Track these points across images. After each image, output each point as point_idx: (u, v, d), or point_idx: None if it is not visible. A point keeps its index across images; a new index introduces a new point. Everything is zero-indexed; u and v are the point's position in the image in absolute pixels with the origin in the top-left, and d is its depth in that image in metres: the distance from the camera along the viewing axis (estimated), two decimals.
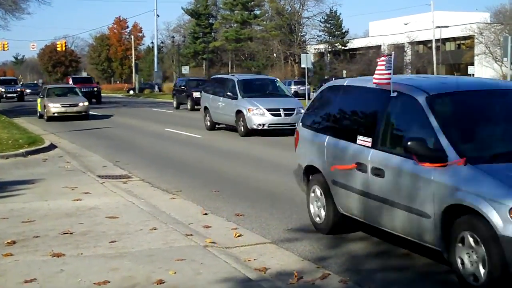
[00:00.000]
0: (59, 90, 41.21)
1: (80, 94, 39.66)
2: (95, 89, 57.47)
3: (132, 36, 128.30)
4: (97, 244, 8.59)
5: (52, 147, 20.58)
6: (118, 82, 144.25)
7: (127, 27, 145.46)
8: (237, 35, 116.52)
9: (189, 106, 45.24)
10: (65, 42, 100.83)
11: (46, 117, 35.90)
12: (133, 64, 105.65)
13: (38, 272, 7.32)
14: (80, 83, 54.97)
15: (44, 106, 36.31)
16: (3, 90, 66.78)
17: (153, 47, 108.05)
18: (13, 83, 71.46)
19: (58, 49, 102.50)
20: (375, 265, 8.03)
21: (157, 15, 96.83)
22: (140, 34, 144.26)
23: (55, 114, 35.67)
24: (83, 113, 36.47)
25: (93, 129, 29.49)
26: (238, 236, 9.36)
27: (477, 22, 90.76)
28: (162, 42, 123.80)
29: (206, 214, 11.00)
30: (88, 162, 17.63)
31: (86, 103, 37.38)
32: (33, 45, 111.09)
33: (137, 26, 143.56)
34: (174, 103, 49.99)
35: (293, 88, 73.80)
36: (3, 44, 78.32)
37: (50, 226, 9.63)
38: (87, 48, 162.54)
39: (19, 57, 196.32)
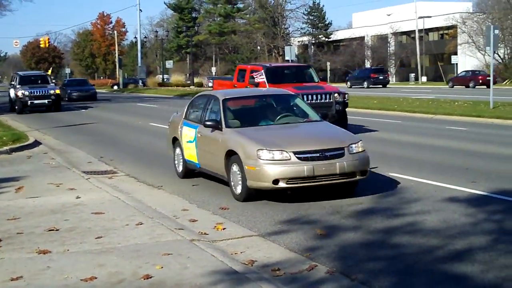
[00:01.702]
0: None
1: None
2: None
3: (115, 32, 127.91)
4: (83, 240, 8.58)
5: (36, 143, 20.49)
6: (102, 77, 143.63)
7: (111, 22, 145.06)
8: (220, 28, 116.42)
9: None
10: (48, 39, 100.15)
11: None
12: (116, 60, 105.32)
13: (24, 269, 7.30)
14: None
15: None
16: (27, 93, 39.94)
17: (136, 42, 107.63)
18: (40, 81, 42.26)
19: (41, 45, 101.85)
20: (363, 256, 8.05)
21: (140, 10, 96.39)
22: (123, 29, 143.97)
23: None
24: None
25: (78, 125, 29.39)
26: (224, 229, 9.36)
27: (459, 12, 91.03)
28: (145, 37, 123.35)
29: (191, 208, 11.00)
30: (73, 158, 17.57)
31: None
32: (16, 42, 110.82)
33: (120, 21, 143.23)
34: None
35: None
36: None
37: (35, 223, 9.60)
38: (70, 44, 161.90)
39: (1, 54, 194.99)
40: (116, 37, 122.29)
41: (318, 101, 20.50)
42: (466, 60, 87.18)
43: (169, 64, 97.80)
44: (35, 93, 39.28)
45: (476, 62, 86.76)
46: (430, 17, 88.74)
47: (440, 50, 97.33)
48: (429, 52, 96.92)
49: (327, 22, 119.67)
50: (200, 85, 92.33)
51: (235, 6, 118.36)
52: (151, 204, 11.09)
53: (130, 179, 14.25)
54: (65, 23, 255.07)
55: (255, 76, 22.45)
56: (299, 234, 9.13)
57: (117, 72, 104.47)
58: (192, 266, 7.34)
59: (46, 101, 39.55)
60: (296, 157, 10.90)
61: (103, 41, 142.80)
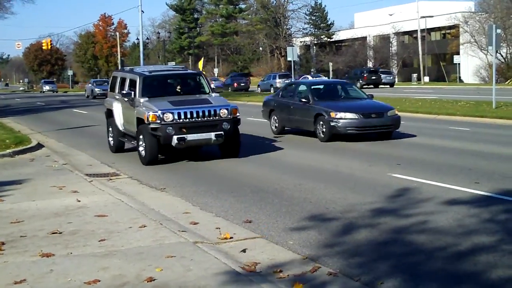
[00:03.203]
0: None
1: None
2: None
3: (117, 33, 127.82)
4: (86, 243, 8.57)
5: (39, 146, 20.51)
6: (104, 79, 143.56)
7: (112, 24, 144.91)
8: (222, 29, 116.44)
9: None
10: (50, 41, 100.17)
11: None
12: (119, 61, 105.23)
13: (27, 272, 7.30)
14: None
15: None
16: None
17: (138, 43, 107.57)
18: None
19: (44, 47, 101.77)
20: (366, 258, 8.04)
21: (142, 11, 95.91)
22: (125, 31, 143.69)
23: None
24: None
25: (80, 127, 29.41)
26: (227, 231, 9.35)
27: (461, 11, 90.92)
28: (147, 38, 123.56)
29: (194, 210, 11.00)
30: (75, 161, 17.58)
31: None
32: (18, 44, 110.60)
33: (122, 22, 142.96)
34: None
35: (278, 81, 73.80)
36: None
37: (38, 226, 9.60)
38: (72, 46, 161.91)
39: (4, 57, 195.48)
40: (118, 39, 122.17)
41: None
42: (468, 59, 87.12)
43: (171, 65, 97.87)
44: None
45: (478, 61, 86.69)
46: (432, 16, 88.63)
47: (442, 50, 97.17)
48: (431, 52, 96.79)
49: (329, 23, 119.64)
50: None
51: (237, 7, 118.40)
52: (154, 207, 11.09)
53: (133, 181, 14.26)
54: (67, 25, 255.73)
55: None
56: (302, 236, 9.12)
57: None
58: (196, 268, 7.33)
59: None
60: None
61: (105, 42, 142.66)
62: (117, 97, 18.84)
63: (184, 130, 16.20)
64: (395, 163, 15.58)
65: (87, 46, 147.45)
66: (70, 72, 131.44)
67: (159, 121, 16.06)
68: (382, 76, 77.41)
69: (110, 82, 20.31)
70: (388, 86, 75.67)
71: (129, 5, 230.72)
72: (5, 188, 12.93)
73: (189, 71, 21.25)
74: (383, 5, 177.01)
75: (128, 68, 20.97)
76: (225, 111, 16.63)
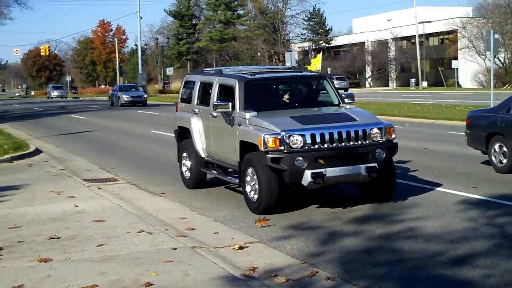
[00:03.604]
0: None
1: None
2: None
3: (116, 39, 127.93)
4: (84, 248, 8.57)
5: (37, 152, 20.49)
6: (102, 85, 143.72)
7: (111, 30, 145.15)
8: (221, 35, 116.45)
9: None
10: (49, 47, 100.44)
11: None
12: (117, 67, 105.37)
13: (25, 278, 7.29)
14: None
15: None
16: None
17: (137, 49, 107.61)
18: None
19: (42, 53, 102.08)
20: (364, 262, 8.04)
21: (140, 17, 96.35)
22: (124, 37, 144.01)
23: None
24: None
25: (78, 132, 29.40)
26: (226, 236, 9.35)
27: (459, 16, 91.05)
28: (146, 44, 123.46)
29: (192, 215, 10.99)
30: (73, 166, 17.57)
31: None
32: (16, 50, 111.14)
33: (120, 28, 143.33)
34: None
35: None
36: None
37: (36, 231, 9.59)
38: (70, 52, 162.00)
39: (2, 63, 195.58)
40: (116, 45, 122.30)
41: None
42: (466, 64, 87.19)
43: (169, 71, 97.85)
44: None
45: (476, 66, 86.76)
46: (430, 22, 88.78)
47: (440, 55, 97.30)
48: (430, 57, 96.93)
49: (327, 28, 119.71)
50: None
51: (235, 13, 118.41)
52: (152, 212, 11.09)
53: (131, 186, 14.25)
54: (66, 31, 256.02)
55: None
56: (300, 241, 9.12)
57: (117, 79, 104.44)
58: (194, 273, 7.33)
59: None
60: None
61: (103, 48, 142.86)
62: (197, 110, 13.66)
63: (321, 161, 10.74)
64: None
65: (85, 52, 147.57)
66: (68, 78, 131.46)
67: (282, 148, 10.61)
68: (336, 82, 72.80)
69: (181, 89, 15.17)
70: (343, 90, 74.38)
71: (127, 11, 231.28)
72: (3, 193, 12.92)
73: (306, 73, 15.83)
74: (381, 10, 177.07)
75: (211, 69, 15.07)
76: (377, 131, 11.29)
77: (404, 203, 11.52)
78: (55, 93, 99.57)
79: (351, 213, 10.83)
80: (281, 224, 10.17)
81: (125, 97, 55.65)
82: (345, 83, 78.25)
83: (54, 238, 9.14)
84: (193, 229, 9.78)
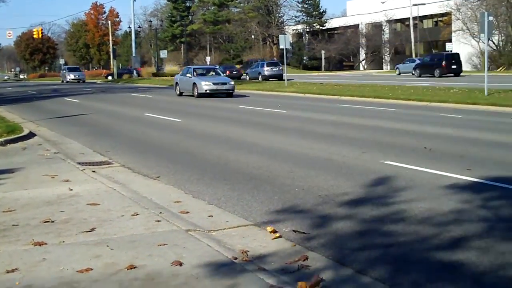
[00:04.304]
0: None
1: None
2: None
3: (109, 22, 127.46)
4: (78, 231, 8.55)
5: (31, 135, 20.44)
6: (96, 68, 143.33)
7: (104, 12, 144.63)
8: (214, 17, 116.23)
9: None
10: (42, 29, 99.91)
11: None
12: (110, 50, 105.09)
13: (20, 261, 7.28)
14: None
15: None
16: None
17: (130, 32, 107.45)
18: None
19: (35, 36, 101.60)
20: (359, 244, 8.05)
21: None
22: (117, 19, 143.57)
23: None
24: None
25: (72, 116, 29.33)
26: (220, 219, 9.35)
27: None
28: (139, 27, 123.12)
29: (187, 198, 11.00)
30: (67, 150, 17.53)
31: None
32: (9, 33, 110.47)
33: (113, 11, 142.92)
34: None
35: (266, 69, 73.52)
36: None
37: (31, 215, 9.58)
38: (64, 34, 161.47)
39: None
40: (110, 27, 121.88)
41: None
42: (460, 47, 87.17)
43: (163, 54, 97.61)
44: None
45: (470, 49, 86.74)
46: (424, 4, 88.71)
47: (434, 37, 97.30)
48: (424, 40, 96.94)
49: (321, 10, 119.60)
50: None
51: None
52: (147, 195, 11.07)
53: (125, 169, 14.23)
54: (59, 14, 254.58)
55: None
56: (294, 223, 9.12)
57: (111, 62, 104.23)
58: (188, 256, 7.33)
59: None
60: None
61: (97, 31, 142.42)
62: None
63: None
64: (388, 149, 15.60)
65: (79, 35, 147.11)
66: (61, 61, 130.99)
67: None
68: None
69: None
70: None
71: None
72: None
73: None
74: None
75: None
76: None
77: (399, 185, 11.53)
78: (71, 76, 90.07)
79: (346, 195, 10.84)
80: (276, 207, 10.17)
81: (205, 86, 41.57)
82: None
83: (48, 221, 9.12)
84: (187, 212, 9.78)
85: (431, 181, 11.80)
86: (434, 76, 65.43)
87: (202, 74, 44.02)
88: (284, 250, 7.81)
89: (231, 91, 42.17)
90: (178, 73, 50.58)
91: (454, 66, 65.07)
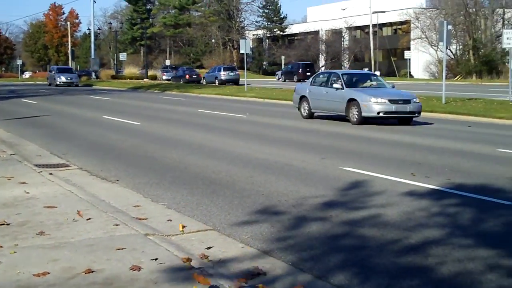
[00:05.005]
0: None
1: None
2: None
3: (69, 23, 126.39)
4: (35, 234, 8.43)
5: None
6: None
7: (63, 13, 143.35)
8: (175, 21, 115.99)
9: None
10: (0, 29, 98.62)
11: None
12: (69, 51, 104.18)
13: None
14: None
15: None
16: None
17: (89, 33, 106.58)
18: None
19: None
20: (318, 251, 8.05)
21: (94, 1, 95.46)
22: (77, 21, 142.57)
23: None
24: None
25: (29, 117, 28.98)
26: (179, 223, 9.29)
27: (413, 7, 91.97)
28: (99, 29, 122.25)
29: (145, 202, 10.91)
30: (24, 151, 17.29)
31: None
32: None
33: (73, 12, 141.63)
34: None
35: (223, 74, 73.46)
36: None
37: None
38: (22, 35, 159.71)
39: None
40: (69, 29, 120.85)
41: None
42: (419, 55, 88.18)
43: (122, 56, 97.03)
44: None
45: (428, 57, 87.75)
46: (384, 12, 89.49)
47: (393, 45, 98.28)
48: (383, 47, 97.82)
49: (282, 16, 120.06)
50: (154, 77, 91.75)
51: None
52: (105, 198, 10.96)
53: (83, 172, 14.07)
54: (17, 14, 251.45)
55: None
56: (254, 228, 9.10)
57: (70, 64, 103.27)
58: (146, 260, 7.26)
59: None
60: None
61: (56, 32, 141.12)
62: None
63: None
64: (347, 156, 15.67)
65: (38, 36, 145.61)
66: (19, 62, 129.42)
67: None
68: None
69: None
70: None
71: None
72: None
73: None
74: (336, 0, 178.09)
75: None
76: None
77: (358, 192, 11.59)
78: (61, 78, 73.43)
79: (305, 201, 10.85)
80: (236, 212, 10.13)
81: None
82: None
83: (4, 224, 8.97)
84: (145, 216, 9.70)
85: (390, 188, 11.88)
86: (293, 81, 76.48)
87: (355, 84, 26.88)
88: (244, 255, 7.78)
89: (416, 115, 25.60)
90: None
91: (308, 74, 72.41)
